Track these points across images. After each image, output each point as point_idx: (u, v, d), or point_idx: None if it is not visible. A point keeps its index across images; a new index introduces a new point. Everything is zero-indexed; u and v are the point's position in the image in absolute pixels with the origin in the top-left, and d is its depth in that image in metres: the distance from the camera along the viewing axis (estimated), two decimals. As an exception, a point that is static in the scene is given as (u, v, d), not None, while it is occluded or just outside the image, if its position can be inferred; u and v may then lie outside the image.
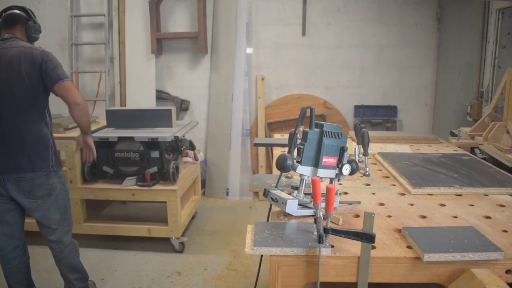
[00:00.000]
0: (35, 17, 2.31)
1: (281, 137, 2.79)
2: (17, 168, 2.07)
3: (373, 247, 1.06)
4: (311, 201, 1.27)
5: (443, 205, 1.41)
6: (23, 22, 2.17)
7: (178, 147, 3.30)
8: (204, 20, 4.34)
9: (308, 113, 1.39)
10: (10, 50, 2.01)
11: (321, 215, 1.06)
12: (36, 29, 2.25)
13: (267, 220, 1.33)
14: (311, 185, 1.12)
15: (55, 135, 3.00)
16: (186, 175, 3.34)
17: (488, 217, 1.28)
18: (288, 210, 1.22)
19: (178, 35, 4.47)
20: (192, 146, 3.49)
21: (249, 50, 4.54)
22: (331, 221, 1.12)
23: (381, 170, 1.89)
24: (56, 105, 4.81)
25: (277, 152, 2.28)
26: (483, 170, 1.77)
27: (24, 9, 2.23)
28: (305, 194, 1.31)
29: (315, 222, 1.12)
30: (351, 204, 1.41)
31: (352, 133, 2.49)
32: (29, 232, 3.30)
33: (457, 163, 1.89)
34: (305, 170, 1.27)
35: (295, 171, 1.26)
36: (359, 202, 1.42)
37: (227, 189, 4.50)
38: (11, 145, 2.05)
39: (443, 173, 1.71)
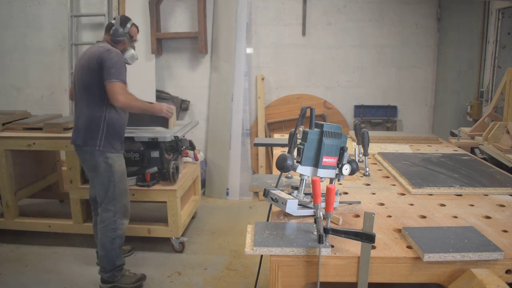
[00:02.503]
0: (130, 25, 2.65)
1: (281, 137, 2.79)
2: (74, 141, 2.54)
3: (373, 247, 1.06)
4: (311, 201, 1.27)
5: (443, 205, 1.41)
6: (110, 29, 2.60)
7: (178, 147, 3.30)
8: (204, 20, 4.34)
9: (308, 113, 1.39)
10: (92, 48, 2.50)
11: (321, 215, 1.06)
12: (119, 34, 2.58)
13: (267, 220, 1.33)
14: (311, 185, 1.12)
15: (54, 135, 3.05)
16: (186, 175, 3.34)
17: (488, 217, 1.28)
18: (288, 210, 1.22)
19: (178, 35, 4.47)
20: (192, 146, 3.49)
21: (249, 50, 4.54)
22: (331, 221, 1.12)
23: (381, 170, 1.89)
24: (56, 105, 4.83)
25: (277, 152, 2.28)
26: (483, 170, 1.77)
27: (121, 18, 2.64)
28: (305, 194, 1.31)
29: (315, 222, 1.12)
30: (351, 204, 1.41)
31: (352, 133, 2.49)
32: (29, 232, 3.32)
33: (457, 163, 1.89)
34: (305, 170, 1.27)
35: (295, 171, 1.26)
36: (359, 202, 1.42)
37: (227, 189, 4.50)
38: (76, 122, 2.53)
39: (443, 173, 1.71)
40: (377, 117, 4.57)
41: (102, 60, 2.38)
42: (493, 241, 1.05)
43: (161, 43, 4.56)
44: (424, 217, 1.29)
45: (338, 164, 1.31)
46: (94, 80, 2.41)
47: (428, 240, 1.05)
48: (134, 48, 2.72)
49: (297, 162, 1.26)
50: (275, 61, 4.58)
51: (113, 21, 2.62)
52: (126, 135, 3.05)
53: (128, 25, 2.63)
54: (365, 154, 1.86)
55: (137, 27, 2.74)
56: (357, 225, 1.23)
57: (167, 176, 3.05)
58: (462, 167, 1.79)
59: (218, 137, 4.52)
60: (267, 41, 4.55)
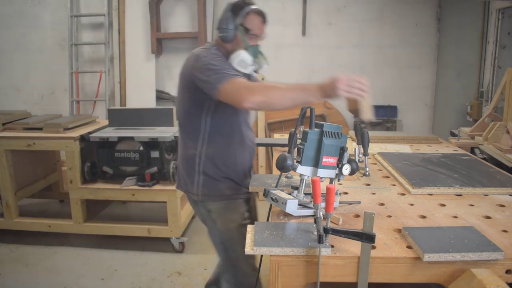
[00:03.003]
0: (245, 13, 1.76)
1: (281, 137, 2.79)
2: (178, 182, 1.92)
3: (373, 247, 1.06)
4: (311, 201, 1.27)
5: (443, 205, 1.40)
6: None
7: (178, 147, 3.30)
8: (204, 20, 4.34)
9: (308, 113, 1.38)
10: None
11: (321, 215, 1.06)
12: (227, 25, 1.74)
13: (267, 220, 1.33)
14: (311, 185, 1.12)
15: (54, 135, 3.05)
16: (186, 175, 3.34)
17: (488, 217, 1.28)
18: (288, 210, 1.22)
19: (178, 35, 4.47)
20: (192, 146, 3.48)
21: (249, 50, 4.53)
22: (331, 221, 1.12)
23: (381, 170, 1.89)
24: (56, 105, 4.83)
25: (277, 152, 2.28)
26: (483, 170, 1.77)
27: (234, 3, 1.80)
28: (305, 194, 1.31)
29: (315, 222, 1.11)
30: (351, 204, 1.41)
31: (352, 133, 2.49)
32: (29, 232, 3.32)
33: (457, 163, 1.89)
34: (305, 170, 1.27)
35: (295, 171, 1.26)
36: (359, 202, 1.42)
37: (227, 189, 4.49)
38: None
39: (443, 173, 1.71)
40: (377, 117, 4.57)
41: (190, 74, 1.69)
42: (493, 241, 1.05)
43: (161, 43, 4.56)
44: (424, 217, 1.29)
45: (338, 164, 1.31)
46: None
47: (428, 240, 1.05)
48: (257, 49, 1.82)
49: (297, 162, 1.26)
50: (275, 61, 4.57)
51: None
52: (126, 135, 3.06)
53: (242, 13, 1.74)
54: (365, 154, 1.86)
55: (262, 15, 1.80)
56: (357, 225, 1.23)
57: (167, 176, 3.05)
58: (462, 167, 1.79)
59: (218, 137, 4.51)
60: (267, 41, 4.54)
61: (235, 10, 1.74)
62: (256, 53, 1.80)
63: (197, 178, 1.75)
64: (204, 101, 1.68)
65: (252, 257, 1.77)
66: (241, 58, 1.73)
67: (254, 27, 1.77)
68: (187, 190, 1.81)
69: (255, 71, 1.87)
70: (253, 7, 1.77)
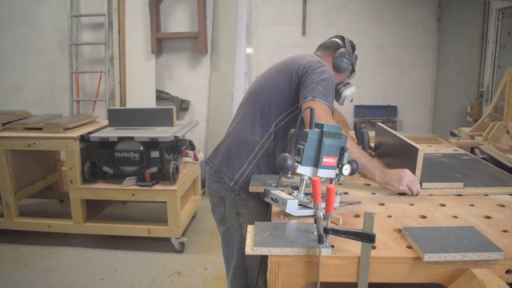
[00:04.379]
0: (356, 54, 1.91)
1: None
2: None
3: (373, 247, 1.06)
4: (311, 201, 1.27)
5: (443, 205, 1.40)
6: (334, 48, 1.87)
7: (178, 147, 3.30)
8: (204, 20, 4.34)
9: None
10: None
11: (321, 215, 1.06)
12: (346, 59, 1.82)
13: (267, 220, 1.33)
14: (311, 185, 1.11)
15: (54, 135, 3.05)
16: (186, 175, 3.34)
17: (488, 217, 1.28)
18: (288, 210, 1.22)
19: (178, 35, 4.48)
20: (192, 146, 3.49)
21: (249, 50, 4.54)
22: (331, 221, 1.12)
23: (381, 170, 1.89)
24: (56, 105, 4.83)
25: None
26: (483, 169, 1.76)
27: (350, 41, 1.93)
28: (305, 194, 1.31)
29: (315, 222, 1.11)
30: (351, 204, 1.41)
31: (352, 133, 2.49)
32: (29, 232, 3.32)
33: (458, 163, 1.89)
34: (305, 170, 1.27)
35: (295, 171, 1.26)
36: (359, 202, 1.42)
37: (227, 189, 4.49)
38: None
39: (443, 172, 1.71)
40: (377, 117, 4.57)
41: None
42: (493, 241, 1.05)
43: (161, 43, 4.56)
44: (424, 217, 1.29)
45: (338, 164, 1.31)
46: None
47: (428, 240, 1.05)
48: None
49: (297, 162, 1.26)
50: (275, 61, 4.56)
51: (337, 40, 1.90)
52: (126, 135, 3.06)
53: (355, 54, 1.89)
54: (365, 154, 1.86)
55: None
56: (357, 225, 1.23)
57: (167, 176, 3.05)
58: (463, 167, 1.79)
59: (218, 137, 4.50)
60: (267, 41, 4.55)
61: (352, 48, 1.87)
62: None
63: (246, 166, 1.68)
64: (297, 101, 1.64)
65: (265, 272, 1.66)
66: (350, 94, 1.90)
67: (354, 66, 1.92)
68: (224, 172, 1.70)
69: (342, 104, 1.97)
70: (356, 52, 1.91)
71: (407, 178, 1.46)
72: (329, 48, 1.88)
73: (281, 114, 1.67)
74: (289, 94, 1.66)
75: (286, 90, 1.67)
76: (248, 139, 1.69)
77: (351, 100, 1.96)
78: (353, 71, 1.92)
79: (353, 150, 1.48)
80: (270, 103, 1.69)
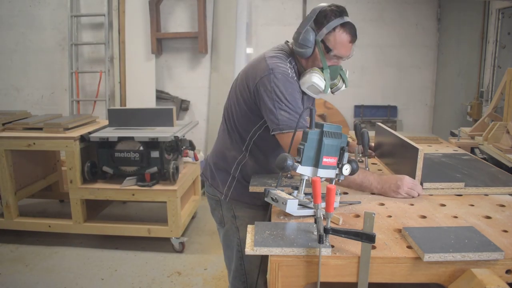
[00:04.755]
0: (329, 29, 1.47)
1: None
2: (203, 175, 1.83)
3: (373, 247, 1.06)
4: (311, 201, 1.27)
5: (443, 205, 1.40)
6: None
7: (178, 147, 3.30)
8: (204, 20, 4.34)
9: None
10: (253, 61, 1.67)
11: (321, 215, 1.06)
12: (306, 40, 1.48)
13: (267, 221, 1.33)
14: (311, 185, 1.11)
15: (54, 135, 3.04)
16: (186, 175, 3.34)
17: (488, 217, 1.28)
18: (288, 210, 1.22)
19: (178, 35, 4.48)
20: (192, 146, 3.49)
21: (249, 50, 4.53)
22: (331, 221, 1.12)
23: (381, 170, 1.89)
24: (56, 105, 4.83)
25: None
26: (484, 169, 1.76)
27: (322, 11, 1.49)
28: (305, 194, 1.31)
29: (315, 222, 1.11)
30: (351, 204, 1.41)
31: (352, 133, 2.49)
32: (29, 232, 3.32)
33: (458, 163, 1.89)
34: (305, 170, 1.27)
35: (295, 171, 1.26)
36: (359, 202, 1.42)
37: (227, 189, 4.49)
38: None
39: (443, 172, 1.71)
40: (377, 117, 4.58)
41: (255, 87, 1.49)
42: (493, 241, 1.05)
43: (161, 43, 4.56)
44: (424, 217, 1.29)
45: (338, 164, 1.31)
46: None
47: (428, 240, 1.05)
48: (337, 70, 1.57)
49: (297, 162, 1.26)
50: (275, 61, 4.58)
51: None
52: (126, 135, 3.06)
53: (325, 28, 1.46)
54: (365, 154, 1.86)
55: (351, 32, 1.50)
56: (357, 225, 1.23)
57: (167, 176, 3.05)
58: (463, 167, 1.79)
59: (218, 137, 4.51)
60: (267, 41, 4.55)
61: (319, 21, 1.46)
62: (335, 74, 1.56)
63: (230, 179, 1.66)
64: (261, 119, 1.54)
65: (265, 273, 1.64)
66: (312, 84, 1.49)
67: (337, 47, 1.48)
68: (213, 185, 1.72)
69: (332, 93, 1.65)
70: (341, 20, 1.46)
71: (405, 186, 1.43)
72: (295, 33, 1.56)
73: (249, 130, 1.59)
74: (251, 112, 1.54)
75: (247, 108, 1.55)
76: (227, 155, 1.68)
77: (338, 88, 1.64)
78: (328, 51, 1.48)
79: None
80: (237, 120, 1.61)
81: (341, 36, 1.48)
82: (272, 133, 1.46)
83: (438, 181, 1.53)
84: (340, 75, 1.62)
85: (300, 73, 1.56)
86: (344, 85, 1.65)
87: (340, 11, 1.48)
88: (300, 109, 1.44)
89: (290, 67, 1.51)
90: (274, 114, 1.42)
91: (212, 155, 1.78)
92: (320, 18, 1.47)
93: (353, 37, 1.51)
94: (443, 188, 1.52)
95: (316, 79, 1.48)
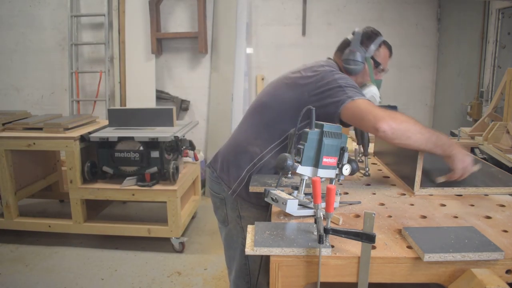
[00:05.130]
0: (376, 45, 1.69)
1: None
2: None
3: (373, 247, 1.06)
4: (311, 201, 1.27)
5: (443, 205, 1.40)
6: (344, 47, 1.71)
7: (178, 147, 3.30)
8: (204, 20, 4.34)
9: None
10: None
11: (321, 215, 1.06)
12: (350, 59, 1.66)
13: (267, 221, 1.33)
14: (311, 185, 1.11)
15: (54, 135, 3.05)
16: (186, 175, 3.34)
17: (488, 217, 1.28)
18: (288, 210, 1.22)
19: (178, 35, 4.48)
20: (192, 146, 3.49)
21: (249, 50, 4.54)
22: (331, 221, 1.12)
23: (381, 170, 1.89)
24: (56, 105, 4.83)
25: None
26: (484, 169, 1.76)
27: (365, 32, 1.71)
28: (305, 194, 1.31)
29: (315, 222, 1.11)
30: (351, 204, 1.41)
31: (352, 133, 2.49)
32: (29, 232, 3.32)
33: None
34: (305, 170, 1.27)
35: (295, 171, 1.26)
36: (359, 202, 1.42)
37: (227, 189, 4.49)
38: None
39: (444, 172, 1.71)
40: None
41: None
42: (493, 241, 1.05)
43: (161, 43, 4.56)
44: (424, 217, 1.29)
45: (338, 164, 1.31)
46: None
47: (428, 240, 1.05)
48: (380, 84, 1.75)
49: (297, 162, 1.26)
50: (275, 61, 4.58)
51: (348, 37, 1.73)
52: (126, 135, 3.06)
53: (373, 46, 1.67)
54: (365, 154, 1.86)
55: (390, 47, 1.73)
56: (357, 225, 1.23)
57: (167, 176, 3.05)
58: (462, 167, 1.79)
59: (218, 137, 4.52)
60: (267, 41, 4.55)
61: (365, 41, 1.66)
62: (379, 87, 1.73)
63: (243, 176, 1.62)
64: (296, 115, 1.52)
65: (267, 272, 1.66)
66: (372, 94, 1.66)
67: (383, 62, 1.70)
68: (221, 178, 1.68)
69: None
70: (382, 38, 1.68)
71: (466, 163, 1.43)
72: (338, 50, 1.75)
73: (287, 131, 1.52)
74: (297, 111, 1.51)
75: (295, 106, 1.54)
76: (248, 150, 1.63)
77: (380, 102, 1.73)
78: (377, 65, 1.69)
79: (420, 124, 1.39)
80: (277, 118, 1.59)
81: (385, 51, 1.71)
82: (343, 105, 1.43)
83: (437, 185, 1.53)
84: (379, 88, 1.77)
85: None
86: (380, 98, 1.76)
87: (377, 31, 1.71)
88: (359, 91, 1.52)
89: (345, 75, 1.61)
90: (332, 95, 1.46)
91: (227, 148, 1.72)
92: (365, 38, 1.67)
93: (391, 51, 1.74)
94: (442, 188, 1.52)
95: (376, 91, 1.68)
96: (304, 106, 1.42)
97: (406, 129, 1.36)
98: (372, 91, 1.66)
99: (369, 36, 1.68)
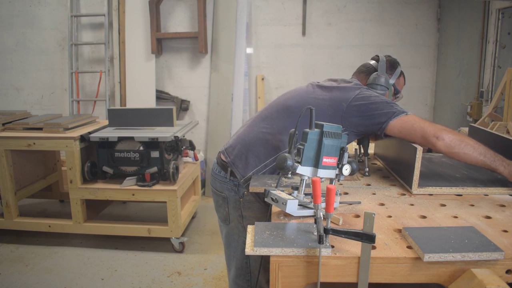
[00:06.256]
0: (399, 74, 1.84)
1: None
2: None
3: (373, 247, 1.06)
4: (311, 202, 1.27)
5: (443, 205, 1.40)
6: (367, 72, 1.82)
7: (178, 147, 3.30)
8: (204, 20, 4.34)
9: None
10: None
11: (321, 216, 1.06)
12: (376, 84, 1.74)
13: (268, 221, 1.33)
14: (311, 186, 1.11)
15: (54, 135, 3.05)
16: (186, 175, 3.34)
17: (488, 217, 1.28)
18: (288, 210, 1.22)
19: (178, 35, 4.48)
20: (192, 146, 3.49)
21: (249, 50, 4.54)
22: (331, 222, 1.12)
23: (381, 170, 1.89)
24: (56, 105, 4.83)
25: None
26: (484, 170, 1.76)
27: (389, 60, 1.85)
28: (305, 194, 1.31)
29: (315, 222, 1.11)
30: (351, 204, 1.41)
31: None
32: (29, 232, 3.32)
33: (458, 162, 1.88)
34: (305, 171, 1.27)
35: (295, 171, 1.26)
36: (359, 202, 1.42)
37: (227, 189, 4.49)
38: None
39: (444, 172, 1.71)
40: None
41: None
42: (494, 241, 1.05)
43: (161, 43, 4.56)
44: (424, 217, 1.29)
45: (338, 164, 1.31)
46: None
47: (428, 240, 1.05)
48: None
49: (297, 162, 1.26)
50: (275, 61, 4.59)
51: (371, 62, 1.83)
52: (126, 135, 3.06)
53: (395, 74, 1.80)
54: (365, 154, 1.86)
55: (405, 78, 1.89)
56: (357, 225, 1.23)
57: (167, 176, 3.05)
58: (463, 167, 1.79)
59: (218, 137, 4.52)
60: (267, 41, 4.55)
61: (389, 68, 1.79)
62: None
63: (261, 167, 1.64)
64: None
65: (267, 271, 1.65)
66: None
67: (401, 89, 1.85)
68: (235, 164, 1.66)
69: None
70: (400, 68, 1.83)
71: None
72: (363, 72, 1.83)
73: None
74: (331, 119, 1.59)
75: (329, 114, 1.59)
76: (271, 143, 1.64)
77: None
78: (396, 93, 1.83)
79: (476, 151, 1.47)
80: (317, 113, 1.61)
81: (403, 80, 1.86)
82: (381, 130, 1.55)
83: (436, 185, 1.53)
84: None
85: None
86: None
87: (397, 60, 1.86)
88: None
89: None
90: (378, 110, 1.55)
91: (248, 138, 1.70)
92: (389, 66, 1.80)
93: (405, 81, 1.90)
94: (442, 188, 1.52)
95: None
96: (340, 114, 1.52)
97: (462, 140, 1.47)
98: None
99: (392, 65, 1.81)
